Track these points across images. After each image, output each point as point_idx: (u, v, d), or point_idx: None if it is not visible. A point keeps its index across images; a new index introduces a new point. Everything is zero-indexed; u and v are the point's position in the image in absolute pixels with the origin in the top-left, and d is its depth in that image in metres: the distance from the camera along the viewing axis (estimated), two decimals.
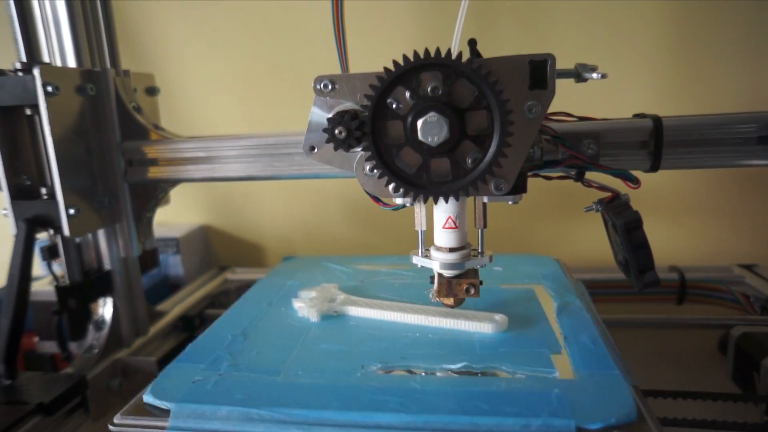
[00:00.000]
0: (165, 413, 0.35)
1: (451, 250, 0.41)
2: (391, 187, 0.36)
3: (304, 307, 0.48)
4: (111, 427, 0.35)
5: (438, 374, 0.38)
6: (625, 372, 0.37)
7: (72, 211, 0.55)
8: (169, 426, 0.34)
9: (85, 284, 0.61)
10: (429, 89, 0.34)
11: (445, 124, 0.34)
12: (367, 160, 0.36)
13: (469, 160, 0.35)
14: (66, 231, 0.55)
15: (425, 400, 0.34)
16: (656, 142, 0.47)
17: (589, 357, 0.39)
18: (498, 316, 0.44)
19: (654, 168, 0.48)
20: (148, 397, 0.36)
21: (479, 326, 0.44)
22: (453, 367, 0.38)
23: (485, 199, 0.40)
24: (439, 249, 0.41)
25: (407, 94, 0.34)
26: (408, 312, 0.46)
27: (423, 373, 0.38)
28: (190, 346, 0.43)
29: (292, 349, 0.42)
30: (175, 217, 0.94)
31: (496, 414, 0.32)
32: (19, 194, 0.55)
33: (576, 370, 0.37)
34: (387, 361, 0.39)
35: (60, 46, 0.58)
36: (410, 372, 0.38)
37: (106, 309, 0.63)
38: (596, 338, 0.42)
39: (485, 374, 0.38)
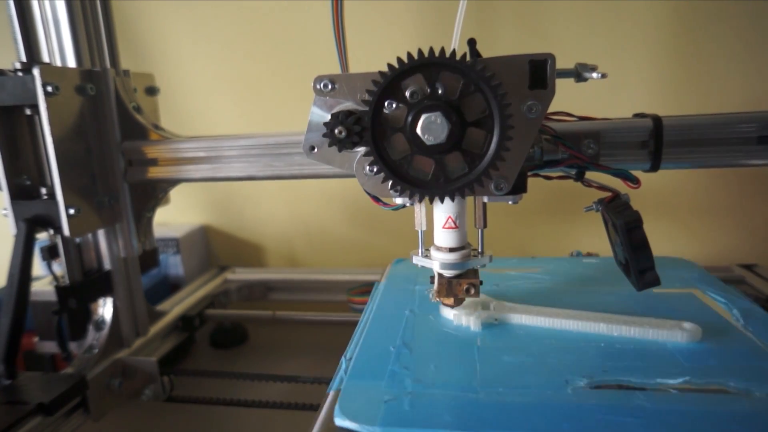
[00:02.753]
0: None
1: (451, 250, 0.41)
2: (391, 186, 0.36)
3: (462, 315, 0.44)
4: None
5: (657, 391, 0.34)
6: None
7: (72, 211, 0.55)
8: None
9: (85, 284, 0.61)
10: (429, 89, 0.34)
11: (445, 124, 0.34)
12: (366, 155, 0.36)
13: (469, 160, 0.35)
14: (66, 231, 0.55)
15: (670, 422, 0.30)
16: (656, 141, 0.47)
17: None
18: (687, 324, 0.40)
19: (654, 168, 0.48)
20: (341, 420, 0.33)
21: (670, 335, 0.39)
22: (672, 382, 0.34)
23: (485, 199, 0.40)
24: (439, 249, 0.41)
25: (407, 93, 0.34)
26: (581, 319, 0.42)
27: (642, 390, 0.34)
28: (354, 361, 0.39)
29: (471, 362, 0.38)
30: (175, 217, 0.94)
31: None
32: (19, 194, 0.55)
33: None
34: (591, 376, 0.35)
35: (60, 46, 0.58)
36: (625, 388, 0.34)
37: (106, 309, 0.63)
38: None
39: (714, 391, 0.33)
